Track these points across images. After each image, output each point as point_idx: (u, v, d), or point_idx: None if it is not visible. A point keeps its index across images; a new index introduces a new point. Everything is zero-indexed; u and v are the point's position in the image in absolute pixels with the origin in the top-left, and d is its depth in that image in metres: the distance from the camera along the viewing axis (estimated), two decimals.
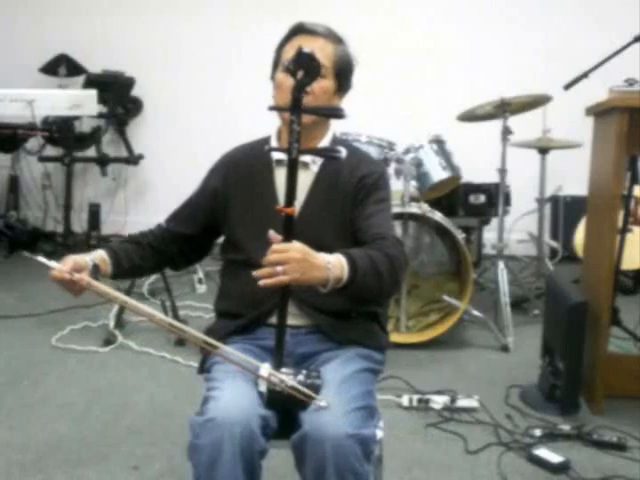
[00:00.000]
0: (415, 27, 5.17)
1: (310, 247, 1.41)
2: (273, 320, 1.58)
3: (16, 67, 5.31)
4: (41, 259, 1.52)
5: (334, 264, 1.42)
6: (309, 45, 1.47)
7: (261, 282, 1.37)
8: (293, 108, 1.38)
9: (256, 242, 1.43)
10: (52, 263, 1.51)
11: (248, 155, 1.77)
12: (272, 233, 1.40)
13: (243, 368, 1.45)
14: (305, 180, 1.66)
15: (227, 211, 1.73)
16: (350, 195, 1.67)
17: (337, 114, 1.48)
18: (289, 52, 1.64)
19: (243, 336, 1.65)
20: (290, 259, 1.36)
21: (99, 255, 1.63)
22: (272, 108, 1.56)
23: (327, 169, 1.70)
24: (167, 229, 1.78)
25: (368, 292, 1.51)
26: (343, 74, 1.70)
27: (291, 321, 1.52)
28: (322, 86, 1.64)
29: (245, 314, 1.66)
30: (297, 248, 1.38)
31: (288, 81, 1.57)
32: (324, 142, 1.73)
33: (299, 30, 1.69)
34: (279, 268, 1.36)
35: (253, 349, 1.60)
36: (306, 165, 1.68)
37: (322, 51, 1.62)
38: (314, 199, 1.68)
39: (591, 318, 2.59)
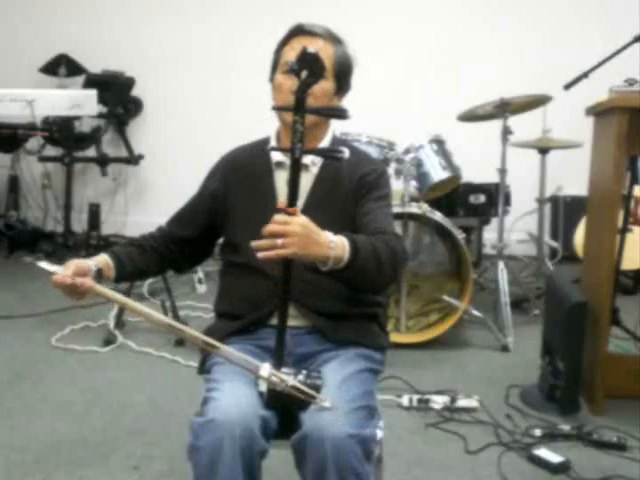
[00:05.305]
0: (415, 27, 5.17)
1: None
2: (273, 321, 1.57)
3: (16, 67, 5.31)
4: (43, 264, 1.49)
5: (336, 243, 1.41)
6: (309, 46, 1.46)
7: (260, 254, 1.35)
8: (297, 108, 1.37)
9: None
10: (54, 267, 1.48)
11: (248, 157, 1.76)
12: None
13: (243, 368, 1.44)
14: (305, 182, 1.64)
15: (227, 213, 1.72)
16: (351, 193, 1.66)
17: (341, 115, 1.47)
18: (288, 54, 1.63)
19: (243, 336, 1.64)
20: (291, 232, 1.34)
21: (102, 259, 1.60)
22: (276, 108, 1.55)
23: (327, 170, 1.69)
24: (169, 232, 1.77)
25: (366, 278, 1.49)
26: (343, 75, 1.69)
27: (291, 322, 1.52)
28: (322, 88, 1.62)
29: (245, 315, 1.65)
30: (299, 222, 1.36)
31: (288, 83, 1.59)
32: (324, 142, 1.72)
33: (298, 31, 1.67)
34: (279, 241, 1.34)
35: (253, 349, 1.60)
36: (306, 167, 1.67)
37: (322, 52, 1.58)
38: (314, 201, 1.67)
39: (591, 318, 2.59)
